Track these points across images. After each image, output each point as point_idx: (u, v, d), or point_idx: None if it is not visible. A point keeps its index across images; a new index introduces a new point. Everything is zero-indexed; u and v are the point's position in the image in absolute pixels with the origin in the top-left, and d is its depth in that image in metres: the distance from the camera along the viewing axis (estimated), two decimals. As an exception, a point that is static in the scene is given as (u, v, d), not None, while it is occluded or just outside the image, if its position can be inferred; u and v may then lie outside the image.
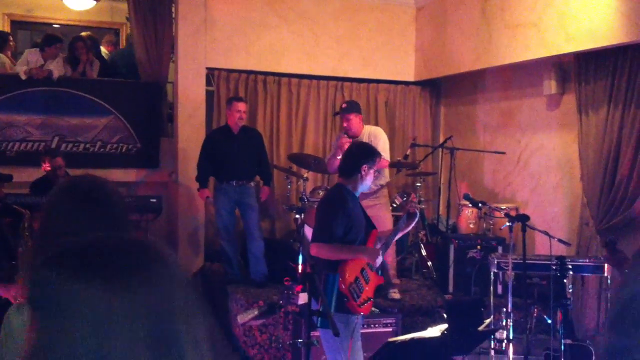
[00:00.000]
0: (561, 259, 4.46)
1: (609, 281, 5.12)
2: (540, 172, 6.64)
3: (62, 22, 9.31)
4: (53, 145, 6.58)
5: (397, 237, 4.21)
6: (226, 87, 7.18)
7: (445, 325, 3.73)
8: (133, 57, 7.27)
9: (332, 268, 3.65)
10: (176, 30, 7.01)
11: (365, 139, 5.52)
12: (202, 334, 0.89)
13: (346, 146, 5.38)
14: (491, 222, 6.44)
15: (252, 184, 6.24)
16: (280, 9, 7.27)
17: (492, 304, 5.13)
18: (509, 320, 4.65)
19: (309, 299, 3.35)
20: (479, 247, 6.04)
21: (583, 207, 5.84)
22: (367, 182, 3.88)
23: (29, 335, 0.84)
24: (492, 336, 4.61)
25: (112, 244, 0.89)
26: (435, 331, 3.69)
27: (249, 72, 7.26)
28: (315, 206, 5.85)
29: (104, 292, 0.82)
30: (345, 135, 5.55)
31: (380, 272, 4.10)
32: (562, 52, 5.71)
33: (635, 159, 5.31)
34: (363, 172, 3.82)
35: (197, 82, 7.03)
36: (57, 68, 6.61)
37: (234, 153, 6.08)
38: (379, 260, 3.84)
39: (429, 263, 6.65)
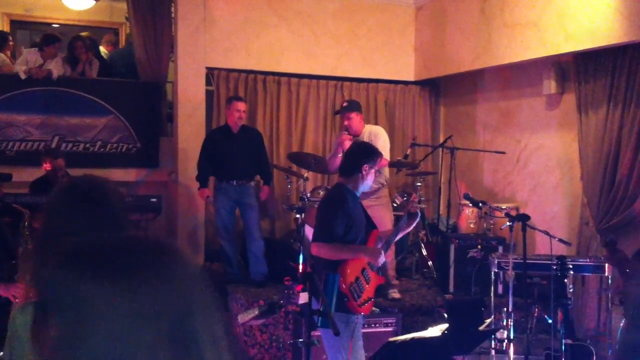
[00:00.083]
0: (561, 259, 4.45)
1: (609, 281, 5.12)
2: (540, 171, 6.64)
3: (61, 21, 9.30)
4: (53, 145, 6.58)
5: (398, 237, 4.20)
6: (226, 86, 7.18)
7: (445, 325, 3.73)
8: (132, 56, 7.27)
9: (332, 268, 3.65)
10: (176, 29, 7.01)
11: (365, 138, 5.51)
12: (219, 330, 0.89)
13: (346, 143, 5.39)
14: (491, 221, 6.44)
15: (252, 183, 6.23)
16: (279, 9, 7.27)
17: (492, 303, 5.13)
18: (509, 320, 4.64)
19: (310, 299, 3.34)
20: (479, 246, 6.04)
21: (583, 207, 5.84)
22: (368, 182, 3.87)
23: (33, 333, 0.84)
24: (493, 336, 4.60)
25: (127, 243, 0.90)
26: (435, 331, 3.69)
27: (249, 72, 7.26)
28: (316, 206, 5.85)
29: (122, 291, 0.82)
30: (346, 133, 5.55)
31: (380, 273, 4.10)
32: (561, 52, 5.71)
33: (635, 159, 5.31)
34: (364, 172, 3.81)
35: (197, 81, 7.03)
36: (56, 68, 6.61)
37: (233, 153, 6.07)
38: (381, 259, 3.83)
39: (430, 263, 6.65)
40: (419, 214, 4.16)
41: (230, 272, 6.21)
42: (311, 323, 3.41)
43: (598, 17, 5.20)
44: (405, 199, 6.49)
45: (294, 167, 6.93)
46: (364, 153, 3.91)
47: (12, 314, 1.65)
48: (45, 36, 6.92)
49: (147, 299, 0.82)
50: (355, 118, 5.64)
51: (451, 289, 6.17)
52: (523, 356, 4.50)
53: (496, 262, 5.27)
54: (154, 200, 6.40)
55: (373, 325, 4.84)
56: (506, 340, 4.64)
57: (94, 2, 8.23)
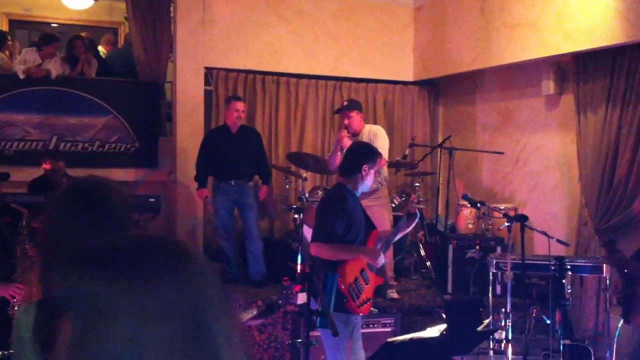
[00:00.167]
0: (560, 259, 4.46)
1: (607, 281, 5.12)
2: (538, 172, 6.64)
3: (60, 21, 9.30)
4: (51, 145, 6.58)
5: (397, 238, 4.20)
6: (225, 86, 7.17)
7: (444, 326, 3.73)
8: (131, 56, 7.27)
9: (331, 268, 3.65)
10: (175, 29, 7.01)
11: (365, 138, 5.51)
12: (232, 326, 0.91)
13: (345, 140, 5.39)
14: (490, 222, 6.44)
15: (250, 183, 6.23)
16: (279, 9, 7.27)
17: (491, 304, 5.13)
18: (507, 320, 4.64)
19: (308, 299, 3.34)
20: (477, 247, 6.04)
21: (582, 207, 5.84)
22: (368, 182, 3.87)
23: (35, 333, 0.84)
24: (491, 336, 4.60)
25: (140, 243, 0.91)
26: (434, 331, 3.69)
27: (248, 72, 7.25)
28: (314, 206, 5.85)
29: (138, 290, 0.83)
30: (345, 131, 5.56)
31: (379, 273, 4.09)
32: (560, 52, 5.71)
33: (634, 159, 5.31)
34: (364, 172, 3.80)
35: (196, 81, 7.02)
36: (55, 67, 6.60)
37: (232, 152, 6.07)
38: (381, 260, 3.82)
39: (428, 263, 6.65)
40: (418, 215, 4.16)
41: (229, 272, 6.21)
42: (310, 323, 3.41)
43: (597, 18, 5.21)
44: (404, 199, 6.52)
45: (293, 167, 6.93)
46: (364, 153, 3.91)
47: (16, 315, 1.67)
48: (44, 36, 6.91)
49: (162, 297, 0.83)
50: (355, 117, 5.64)
51: (450, 289, 6.17)
52: (521, 357, 4.50)
53: (494, 262, 5.27)
54: (153, 200, 6.39)
55: (372, 325, 4.84)
56: (504, 341, 4.63)
57: (93, 1, 8.23)
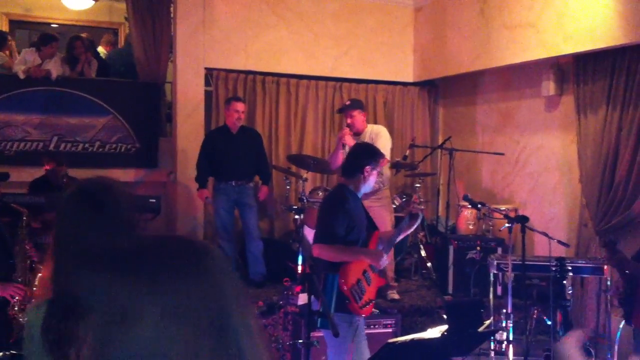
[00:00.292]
0: (560, 260, 4.46)
1: (608, 282, 5.12)
2: (539, 173, 6.64)
3: (60, 21, 9.29)
4: (52, 146, 6.57)
5: (399, 238, 4.19)
6: (225, 87, 7.17)
7: (445, 326, 3.72)
8: (131, 56, 7.26)
9: (332, 269, 3.64)
10: (175, 30, 7.00)
11: (367, 137, 5.51)
12: (253, 322, 0.92)
13: (347, 138, 5.39)
14: (490, 223, 6.44)
15: (251, 184, 6.24)
16: (279, 9, 7.27)
17: (491, 305, 5.12)
18: (508, 321, 4.64)
19: (309, 299, 3.34)
20: (478, 248, 6.04)
21: (582, 208, 5.84)
22: (370, 183, 3.86)
23: (44, 332, 0.84)
24: (492, 337, 4.60)
25: (160, 243, 0.92)
26: (435, 332, 3.68)
27: (248, 72, 7.25)
28: (315, 207, 5.85)
29: (160, 290, 0.84)
30: (348, 128, 5.55)
31: (380, 274, 4.09)
32: (560, 53, 5.71)
33: (634, 160, 5.31)
34: (366, 173, 3.79)
35: (196, 82, 7.02)
36: (55, 68, 6.60)
37: (232, 153, 6.07)
38: (384, 261, 3.81)
39: (429, 264, 6.65)
40: (421, 215, 4.15)
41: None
42: (310, 324, 3.40)
43: (597, 19, 5.21)
44: (404, 200, 6.51)
45: (293, 168, 6.93)
46: (366, 154, 3.89)
47: (27, 313, 1.68)
48: (42, 36, 6.91)
49: (185, 295, 0.84)
50: (357, 116, 5.64)
51: (450, 290, 6.17)
52: (522, 357, 4.50)
53: (495, 263, 5.26)
54: (153, 200, 6.38)
55: (372, 326, 4.83)
56: (505, 342, 4.63)
57: (93, 2, 8.22)
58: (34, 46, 6.85)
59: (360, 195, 3.89)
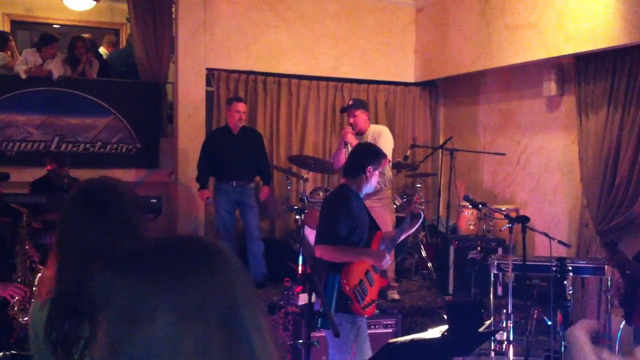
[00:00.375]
0: (561, 261, 4.45)
1: (609, 283, 5.12)
2: (540, 173, 6.63)
3: (61, 22, 9.31)
4: (53, 146, 6.58)
5: (401, 238, 4.18)
6: (226, 87, 7.18)
7: (445, 327, 3.72)
8: (132, 57, 7.27)
9: (334, 269, 3.63)
10: (176, 30, 7.01)
11: (369, 137, 5.51)
12: (263, 319, 0.93)
13: (349, 136, 5.39)
14: (491, 223, 6.44)
15: (251, 184, 6.24)
16: (280, 10, 7.27)
17: (492, 305, 5.12)
18: (509, 321, 4.64)
19: (310, 300, 3.34)
20: (478, 248, 6.04)
21: (583, 209, 5.84)
22: (372, 183, 3.85)
23: (47, 330, 0.84)
24: (492, 337, 4.60)
25: (172, 243, 0.93)
26: (435, 332, 3.68)
27: (249, 73, 7.26)
28: (316, 207, 5.85)
29: (172, 290, 0.85)
30: (350, 127, 5.55)
31: (382, 275, 4.08)
32: (561, 54, 5.71)
33: (635, 160, 5.31)
34: (368, 174, 3.78)
35: (197, 82, 7.03)
36: (56, 68, 6.61)
37: (233, 153, 6.08)
38: (387, 261, 3.80)
39: (429, 264, 6.64)
40: (422, 215, 4.15)
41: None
42: (311, 324, 3.40)
43: (598, 19, 5.21)
44: (405, 200, 6.51)
45: (294, 168, 6.94)
46: (369, 154, 3.88)
47: (31, 312, 1.70)
48: (43, 36, 6.92)
49: (198, 293, 0.86)
50: (360, 116, 5.65)
51: (451, 290, 6.17)
52: (523, 358, 4.50)
53: (496, 263, 5.26)
54: (154, 200, 6.38)
55: (372, 326, 4.82)
56: (506, 342, 4.63)
57: (95, 2, 8.23)
58: (35, 47, 6.86)
59: (362, 195, 3.88)
